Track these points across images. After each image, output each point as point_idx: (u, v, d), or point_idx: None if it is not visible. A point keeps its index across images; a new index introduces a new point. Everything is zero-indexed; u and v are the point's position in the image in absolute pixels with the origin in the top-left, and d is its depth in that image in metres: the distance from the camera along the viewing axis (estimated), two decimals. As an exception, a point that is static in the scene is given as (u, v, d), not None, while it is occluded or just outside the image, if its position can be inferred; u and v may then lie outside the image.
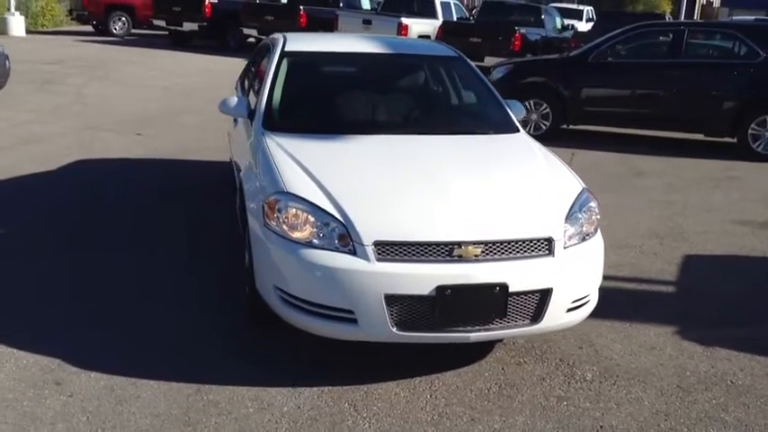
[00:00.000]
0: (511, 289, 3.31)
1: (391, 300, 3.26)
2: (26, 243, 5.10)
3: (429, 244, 3.33)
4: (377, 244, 3.31)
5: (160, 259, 4.91)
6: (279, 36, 5.35)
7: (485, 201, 3.64)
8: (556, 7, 20.12)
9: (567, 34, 19.60)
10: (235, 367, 3.59)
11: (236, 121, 5.30)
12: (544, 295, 3.40)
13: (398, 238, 3.33)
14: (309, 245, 3.40)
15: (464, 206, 3.56)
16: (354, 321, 3.32)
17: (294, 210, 3.50)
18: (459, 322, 3.34)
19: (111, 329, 3.93)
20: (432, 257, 3.32)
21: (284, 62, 4.84)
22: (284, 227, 3.48)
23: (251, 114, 4.60)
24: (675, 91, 9.66)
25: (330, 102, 4.82)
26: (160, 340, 3.84)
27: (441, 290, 3.24)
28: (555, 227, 3.53)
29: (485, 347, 3.83)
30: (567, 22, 21.16)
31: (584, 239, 3.65)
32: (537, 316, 3.43)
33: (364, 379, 3.52)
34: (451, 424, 3.21)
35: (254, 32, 19.05)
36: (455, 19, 18.94)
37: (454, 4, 19.47)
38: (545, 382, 3.57)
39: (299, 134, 4.27)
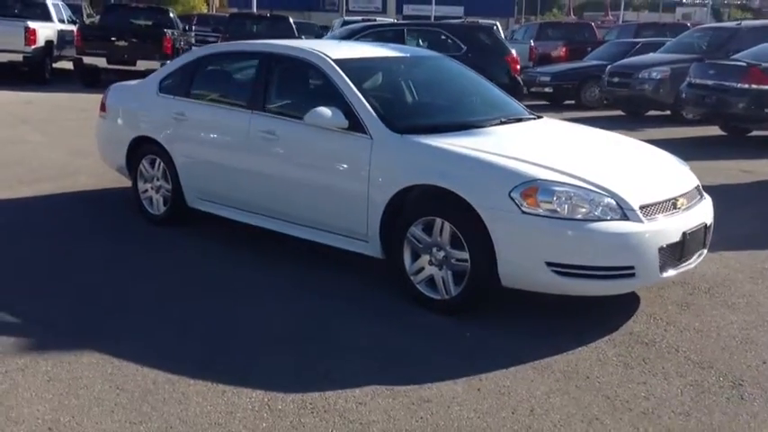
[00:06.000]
0: (708, 225, 4.37)
1: (660, 250, 4.01)
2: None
3: (666, 201, 4.18)
4: (641, 208, 4.01)
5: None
6: (293, 44, 5.26)
7: (659, 164, 4.62)
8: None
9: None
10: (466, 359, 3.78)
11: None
12: (707, 228, 4.51)
13: (652, 201, 4.10)
14: (585, 219, 3.91)
15: (660, 170, 4.53)
16: (632, 275, 3.97)
17: (557, 193, 3.94)
18: (686, 258, 4.25)
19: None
20: (668, 211, 4.16)
21: (347, 70, 4.82)
22: (557, 209, 3.90)
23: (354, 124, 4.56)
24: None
25: (424, 102, 5.03)
26: (358, 349, 3.87)
27: (684, 235, 4.13)
28: (694, 177, 4.67)
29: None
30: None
31: (697, 185, 4.85)
32: (704, 244, 4.52)
33: (564, 348, 3.89)
34: (689, 345, 3.98)
35: None
36: (66, 22, 17.56)
37: (62, 5, 17.95)
38: (693, 296, 4.65)
39: (433, 134, 4.49)
